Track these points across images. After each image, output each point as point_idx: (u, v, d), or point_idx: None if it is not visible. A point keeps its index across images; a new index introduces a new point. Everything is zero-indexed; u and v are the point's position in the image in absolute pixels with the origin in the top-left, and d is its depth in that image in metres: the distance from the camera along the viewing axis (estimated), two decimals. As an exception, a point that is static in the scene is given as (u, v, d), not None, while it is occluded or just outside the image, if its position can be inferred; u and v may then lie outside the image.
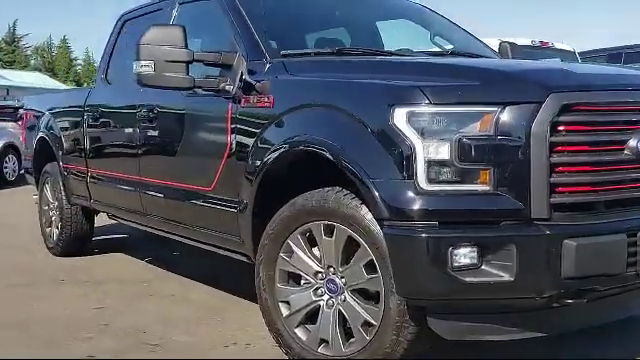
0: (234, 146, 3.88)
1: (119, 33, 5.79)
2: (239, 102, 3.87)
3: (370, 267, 3.19)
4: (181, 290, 5.30)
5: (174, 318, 4.55)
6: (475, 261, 2.83)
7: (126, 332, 4.28)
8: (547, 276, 2.82)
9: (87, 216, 6.50)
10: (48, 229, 6.88)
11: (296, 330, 3.48)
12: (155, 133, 4.73)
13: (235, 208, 3.91)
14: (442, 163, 2.87)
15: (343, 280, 3.32)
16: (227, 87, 3.91)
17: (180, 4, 4.84)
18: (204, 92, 4.03)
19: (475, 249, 2.82)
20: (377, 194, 2.95)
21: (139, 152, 4.95)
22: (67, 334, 4.27)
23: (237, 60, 3.96)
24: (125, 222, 5.71)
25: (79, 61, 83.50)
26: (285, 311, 3.52)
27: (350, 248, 3.27)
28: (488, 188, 2.86)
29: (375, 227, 3.09)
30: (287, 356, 3.54)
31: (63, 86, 54.16)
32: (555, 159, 2.86)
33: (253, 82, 3.82)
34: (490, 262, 2.83)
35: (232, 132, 3.89)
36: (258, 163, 3.65)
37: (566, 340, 3.72)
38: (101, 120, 5.61)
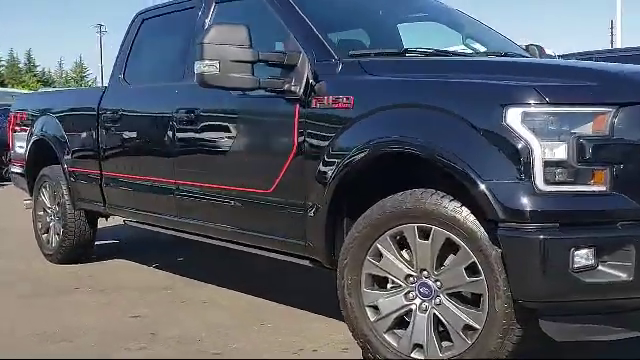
0: (302, 148, 3.77)
1: (137, 32, 5.59)
2: (308, 103, 3.77)
3: (471, 270, 3.15)
4: (209, 296, 5.15)
5: (219, 325, 4.41)
6: (592, 262, 2.85)
7: (178, 341, 4.13)
8: None
9: (90, 221, 6.28)
10: (45, 235, 6.60)
11: (385, 335, 3.40)
12: (197, 135, 4.54)
13: (301, 211, 3.81)
14: (559, 164, 2.87)
15: (438, 283, 3.26)
16: (293, 88, 3.82)
17: (217, 3, 4.72)
18: (264, 93, 3.92)
19: (593, 250, 2.84)
20: (491, 196, 2.92)
21: (175, 154, 4.76)
22: (116, 344, 4.09)
23: (301, 60, 3.87)
24: (147, 227, 5.48)
25: (2, 62, 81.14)
26: (373, 316, 3.43)
27: (445, 251, 3.23)
28: (604, 188, 2.88)
29: (479, 229, 3.06)
30: (375, 362, 3.46)
31: (-12, 87, 52.49)
32: None
33: (325, 83, 3.74)
34: (606, 263, 2.86)
35: (300, 134, 3.78)
36: (334, 166, 3.56)
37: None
38: (122, 121, 5.37)
